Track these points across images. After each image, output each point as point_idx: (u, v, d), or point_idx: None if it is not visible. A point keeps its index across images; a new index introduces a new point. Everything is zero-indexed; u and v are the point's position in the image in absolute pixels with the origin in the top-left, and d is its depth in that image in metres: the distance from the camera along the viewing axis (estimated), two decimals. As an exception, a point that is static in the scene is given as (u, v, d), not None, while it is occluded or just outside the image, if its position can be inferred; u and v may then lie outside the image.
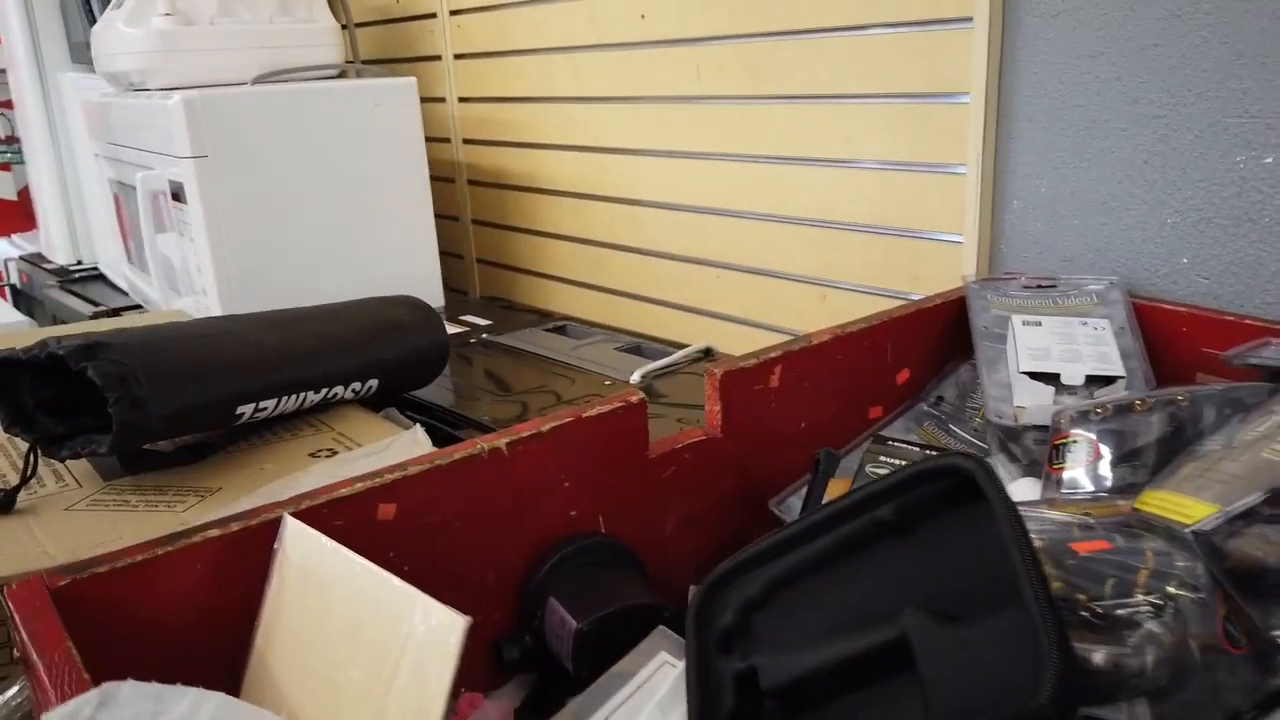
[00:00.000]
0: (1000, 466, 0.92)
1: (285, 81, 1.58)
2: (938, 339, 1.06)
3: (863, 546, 0.56)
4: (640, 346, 1.47)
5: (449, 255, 1.89)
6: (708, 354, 1.41)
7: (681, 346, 1.42)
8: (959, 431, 1.01)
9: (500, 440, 0.74)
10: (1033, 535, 0.58)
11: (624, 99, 1.54)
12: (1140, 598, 0.52)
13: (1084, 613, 0.53)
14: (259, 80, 1.56)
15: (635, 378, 1.24)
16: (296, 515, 0.63)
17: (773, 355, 0.91)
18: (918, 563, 0.54)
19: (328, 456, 0.98)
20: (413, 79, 1.65)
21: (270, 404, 0.99)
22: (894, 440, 0.91)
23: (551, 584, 0.75)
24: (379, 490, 0.68)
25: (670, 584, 0.80)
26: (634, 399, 0.81)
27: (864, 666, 0.52)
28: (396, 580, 0.55)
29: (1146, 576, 0.54)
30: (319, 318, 1.08)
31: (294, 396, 1.01)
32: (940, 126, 1.16)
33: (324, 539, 0.60)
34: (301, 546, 0.61)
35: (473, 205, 1.96)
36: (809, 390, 0.95)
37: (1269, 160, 0.94)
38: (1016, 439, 0.90)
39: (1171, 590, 0.53)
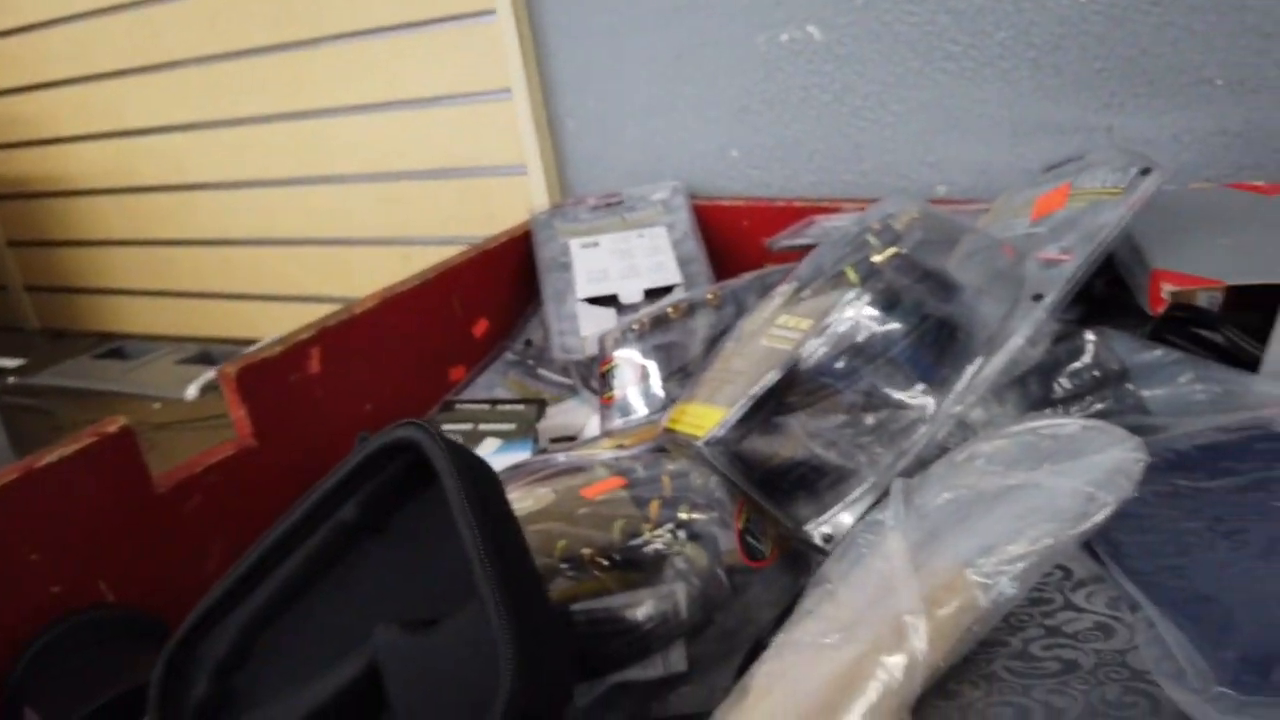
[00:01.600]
0: (586, 403, 0.85)
1: None
2: (512, 281, 0.98)
3: (336, 558, 0.45)
4: (209, 353, 1.28)
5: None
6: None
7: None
8: (548, 374, 0.93)
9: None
10: (543, 491, 0.50)
11: (138, 70, 1.31)
12: (649, 534, 0.45)
13: (596, 569, 0.45)
14: None
15: (191, 392, 1.06)
16: None
17: (304, 337, 0.78)
18: (393, 564, 0.44)
19: None
20: None
21: None
22: (463, 402, 0.81)
23: (27, 688, 0.58)
24: None
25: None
26: (111, 428, 0.65)
27: (346, 710, 0.41)
28: None
29: (659, 507, 0.47)
30: None
31: None
32: (477, 50, 1.07)
33: None
34: None
35: (1, 225, 1.63)
36: (364, 367, 0.82)
37: (785, 38, 0.92)
38: (593, 372, 0.84)
39: (684, 516, 0.47)
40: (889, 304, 0.51)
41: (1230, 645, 0.32)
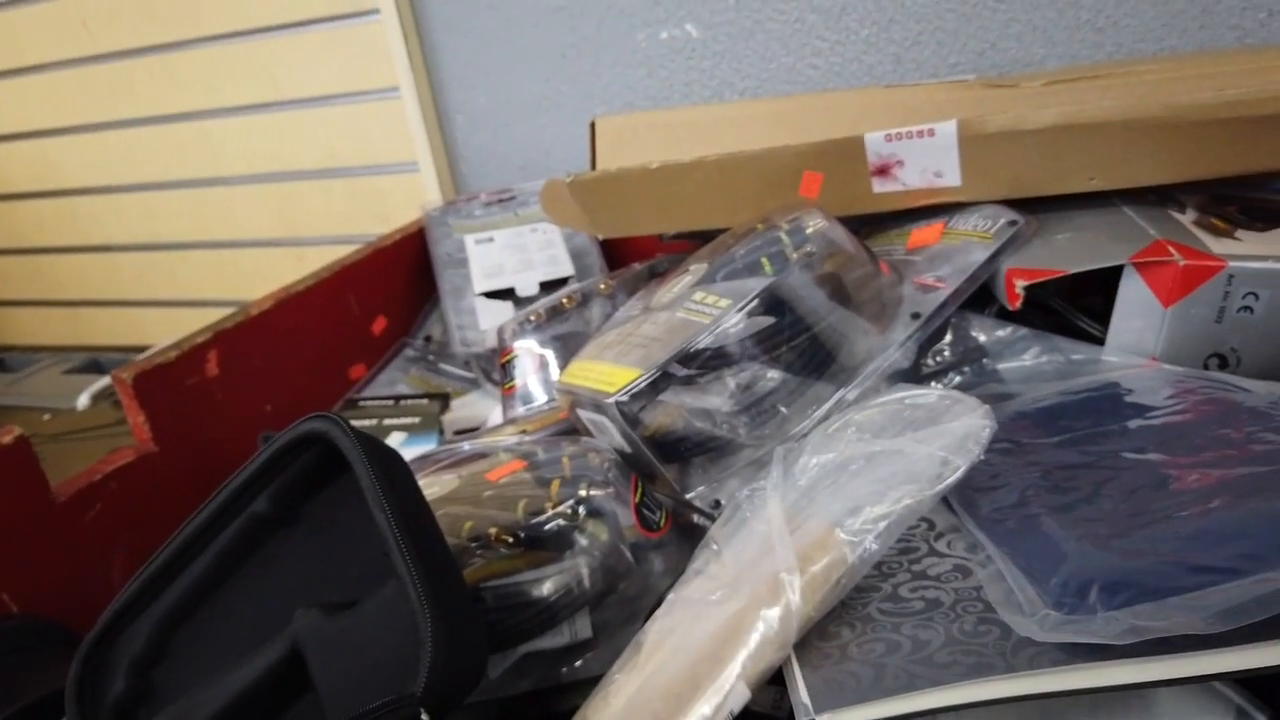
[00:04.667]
0: (489, 396, 0.88)
1: None
2: (408, 277, 0.99)
3: (250, 550, 0.47)
4: (99, 362, 1.25)
5: None
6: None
7: (158, 348, 1.22)
8: (450, 369, 0.95)
9: None
10: (448, 477, 0.53)
11: (5, 73, 1.26)
12: (552, 510, 0.48)
13: (502, 546, 0.48)
14: None
15: (83, 401, 1.04)
16: None
17: (201, 340, 0.78)
18: (309, 553, 0.46)
19: None
20: None
21: None
22: (366, 399, 0.83)
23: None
24: None
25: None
26: (6, 439, 0.64)
27: (269, 693, 0.43)
28: None
29: (560, 486, 0.50)
30: None
31: None
32: (363, 49, 1.07)
33: None
34: None
35: None
36: (263, 369, 0.83)
37: (664, 36, 0.96)
38: (493, 364, 0.86)
39: (584, 492, 0.50)
40: (799, 297, 0.55)
41: (1055, 575, 0.37)
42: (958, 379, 0.61)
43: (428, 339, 0.99)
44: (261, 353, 0.82)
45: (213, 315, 1.28)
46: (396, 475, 0.43)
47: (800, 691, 0.38)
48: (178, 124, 1.21)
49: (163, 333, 1.31)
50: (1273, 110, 0.54)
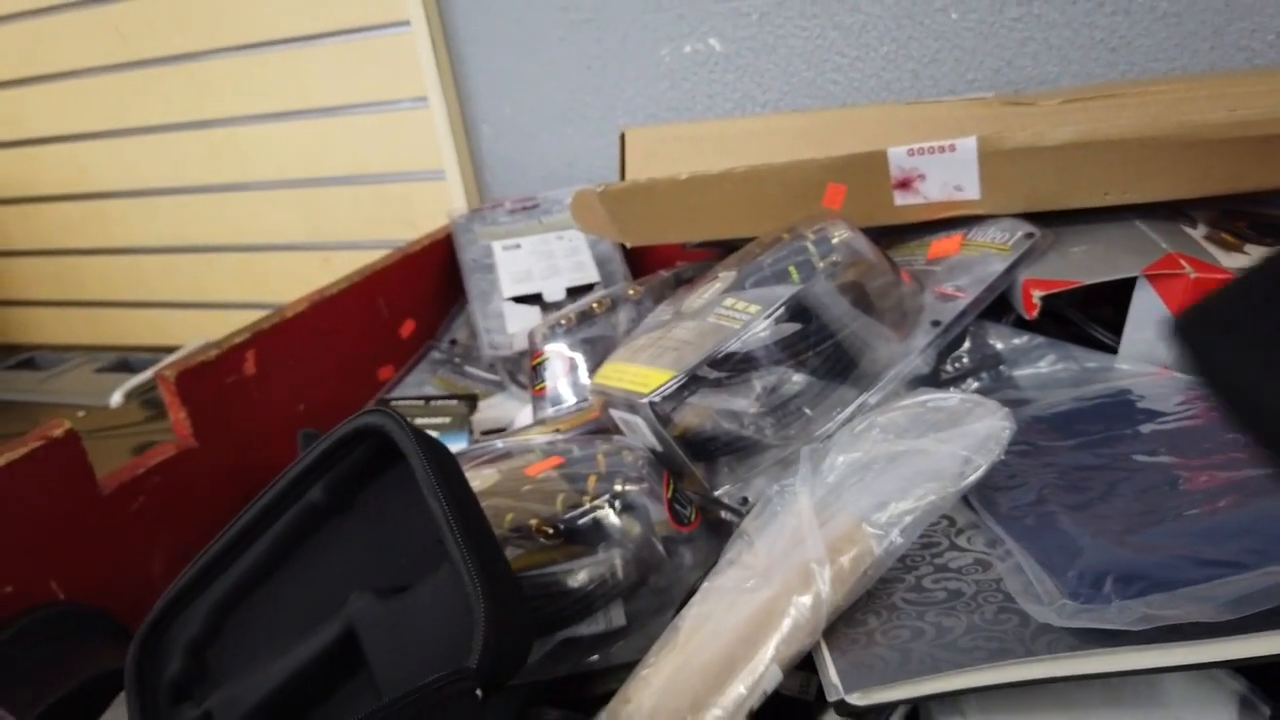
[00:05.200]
0: (514, 398, 0.90)
1: None
2: (435, 282, 1.02)
3: (304, 537, 0.49)
4: (128, 361, 1.27)
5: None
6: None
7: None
8: (475, 371, 0.97)
9: None
10: (488, 472, 0.55)
11: (39, 78, 1.30)
12: (589, 504, 0.51)
13: (542, 537, 0.50)
14: None
15: (116, 399, 1.07)
16: None
17: (239, 340, 0.80)
18: (362, 540, 0.48)
19: None
20: None
21: None
22: (396, 399, 0.85)
23: (-14, 684, 0.60)
24: None
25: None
26: (56, 432, 0.67)
27: (322, 672, 0.45)
28: None
29: (596, 481, 0.53)
30: None
31: None
32: (392, 59, 1.10)
33: None
34: None
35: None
36: (297, 369, 0.85)
37: (688, 49, 0.99)
38: (520, 367, 0.88)
39: (619, 488, 0.52)
40: (824, 304, 0.57)
41: (1072, 567, 0.40)
42: (975, 385, 0.63)
43: (454, 342, 1.01)
44: (296, 353, 0.85)
45: (238, 317, 1.31)
46: (448, 467, 0.45)
47: (830, 673, 0.40)
48: (208, 130, 1.24)
49: (188, 334, 1.34)
50: (1281, 130, 0.57)
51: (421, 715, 0.37)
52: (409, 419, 0.82)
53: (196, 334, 1.32)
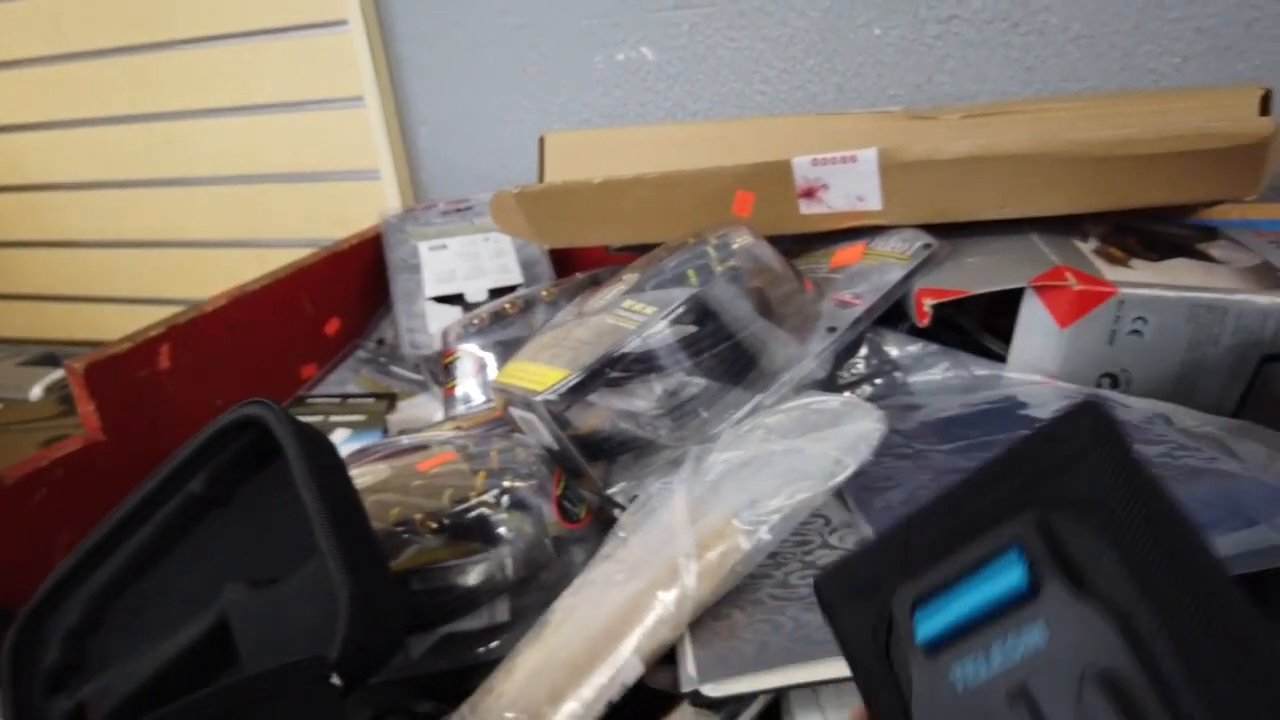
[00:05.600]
0: (436, 398, 0.90)
1: None
2: (363, 281, 1.02)
3: (185, 528, 0.50)
4: (54, 355, 1.26)
5: None
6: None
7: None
8: (400, 371, 0.97)
9: None
10: (380, 467, 0.56)
11: (-25, 68, 1.28)
12: (476, 499, 0.51)
13: (428, 532, 0.51)
14: None
15: (36, 392, 1.06)
16: None
17: (154, 334, 0.80)
18: (241, 532, 0.49)
19: None
20: None
21: None
22: (314, 396, 0.85)
23: None
24: None
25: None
26: (-47, 423, 0.66)
27: (195, 663, 0.45)
28: None
29: (485, 477, 0.53)
30: None
31: None
32: (330, 58, 1.10)
33: None
34: None
35: None
36: (215, 364, 0.85)
37: (621, 57, 1.00)
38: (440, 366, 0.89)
39: (508, 484, 0.53)
40: (722, 306, 0.58)
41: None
42: (870, 390, 0.64)
43: (380, 342, 1.01)
44: (214, 349, 0.85)
45: (171, 313, 1.29)
46: (325, 459, 0.46)
47: (689, 665, 0.41)
48: (146, 124, 1.23)
49: (122, 329, 1.32)
50: (1166, 149, 0.59)
51: (277, 702, 0.37)
52: (326, 415, 0.82)
53: (129, 329, 1.30)
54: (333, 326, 0.98)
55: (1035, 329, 0.60)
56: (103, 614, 0.50)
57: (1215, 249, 0.63)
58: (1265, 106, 0.61)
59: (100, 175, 1.29)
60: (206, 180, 1.23)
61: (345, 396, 0.84)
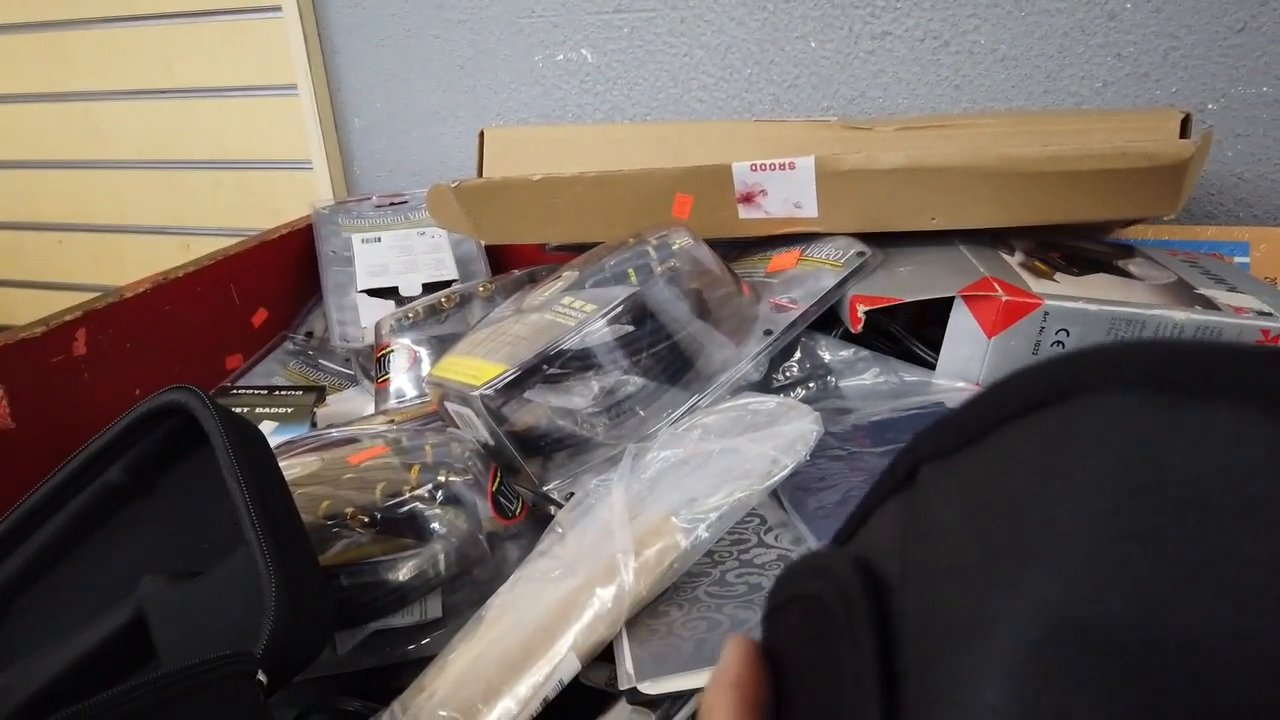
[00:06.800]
0: (366, 391, 0.89)
1: None
2: (293, 272, 0.99)
3: (101, 519, 0.48)
4: (-42, 340, 1.20)
5: None
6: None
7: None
8: (329, 364, 0.96)
9: None
10: (310, 459, 0.55)
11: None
12: (409, 494, 0.51)
13: (359, 526, 0.50)
14: None
15: (-62, 378, 1.00)
16: None
17: (70, 318, 0.77)
18: (163, 523, 0.47)
19: None
20: None
21: None
22: (240, 388, 0.83)
23: None
24: None
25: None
26: None
27: (109, 660, 0.44)
28: None
29: (419, 471, 0.52)
30: None
31: None
32: (261, 44, 1.07)
33: None
34: None
35: None
36: (135, 352, 0.82)
37: (560, 58, 0.99)
38: (371, 361, 0.87)
39: (443, 479, 0.52)
40: (661, 307, 0.58)
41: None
42: (803, 393, 0.65)
43: (309, 334, 0.99)
44: (134, 336, 0.82)
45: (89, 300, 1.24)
46: (253, 448, 0.45)
47: (626, 662, 0.41)
48: (64, 103, 1.18)
49: (33, 315, 1.27)
50: (1090, 166, 0.61)
51: (198, 699, 0.36)
52: (252, 407, 0.80)
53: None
54: (260, 317, 0.95)
55: (963, 337, 0.62)
56: (8, 608, 0.48)
57: (1133, 266, 0.66)
58: (1185, 129, 0.64)
59: (13, 155, 1.23)
60: (128, 164, 1.18)
61: (272, 388, 0.82)
